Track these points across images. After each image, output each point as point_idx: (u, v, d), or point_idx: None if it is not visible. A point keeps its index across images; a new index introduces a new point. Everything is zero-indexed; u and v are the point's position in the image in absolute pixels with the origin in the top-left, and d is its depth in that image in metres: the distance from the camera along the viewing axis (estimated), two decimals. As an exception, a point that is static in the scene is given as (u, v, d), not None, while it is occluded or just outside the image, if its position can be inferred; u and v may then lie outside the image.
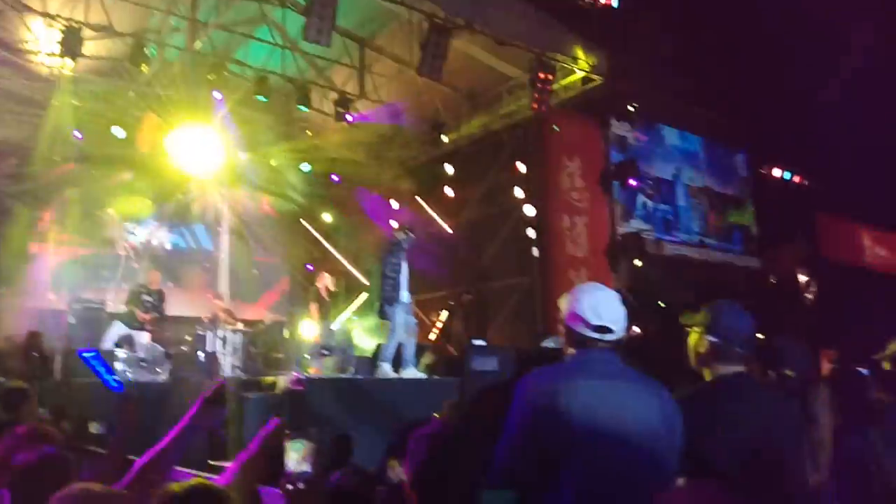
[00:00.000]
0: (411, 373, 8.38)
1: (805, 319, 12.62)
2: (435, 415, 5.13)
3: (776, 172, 14.66)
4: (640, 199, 12.90)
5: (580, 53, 11.71)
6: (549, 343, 8.67)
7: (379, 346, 9.41)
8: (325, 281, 11.66)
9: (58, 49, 9.97)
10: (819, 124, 11.81)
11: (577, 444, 2.10)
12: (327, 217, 16.55)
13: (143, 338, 10.64)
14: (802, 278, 13.71)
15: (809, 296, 13.51)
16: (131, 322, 10.71)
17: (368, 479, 3.44)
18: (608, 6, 11.36)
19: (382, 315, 8.37)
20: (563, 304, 2.36)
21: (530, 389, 2.20)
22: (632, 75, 11.58)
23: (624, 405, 2.17)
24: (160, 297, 11.25)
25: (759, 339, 2.73)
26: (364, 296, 15.44)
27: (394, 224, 14.83)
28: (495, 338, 12.90)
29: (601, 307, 2.26)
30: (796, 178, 14.67)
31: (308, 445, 2.46)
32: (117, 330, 10.54)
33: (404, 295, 8.29)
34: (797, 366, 2.92)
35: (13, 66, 11.72)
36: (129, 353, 10.29)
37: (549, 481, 2.13)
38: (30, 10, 9.67)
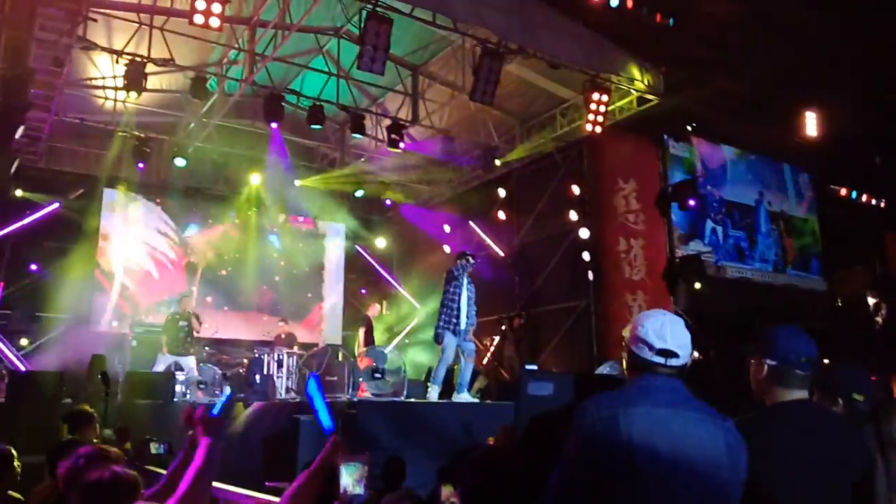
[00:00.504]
0: (465, 397, 8.36)
1: (875, 343, 12.13)
2: (489, 440, 5.07)
3: (843, 192, 14.22)
4: (709, 225, 12.54)
5: (635, 73, 11.61)
6: (605, 369, 8.54)
7: (430, 370, 9.50)
8: (374, 310, 11.88)
9: (122, 83, 10.32)
10: (888, 140, 11.42)
11: (636, 473, 2.03)
12: (380, 242, 16.73)
13: (190, 362, 10.88)
14: (871, 301, 13.20)
15: (879, 319, 12.99)
16: (172, 348, 10.96)
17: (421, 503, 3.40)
18: (664, 24, 11.24)
19: (437, 339, 8.42)
20: (627, 330, 2.30)
21: (589, 415, 2.13)
22: (689, 94, 11.40)
23: (686, 434, 2.08)
24: (196, 319, 11.46)
25: (824, 364, 2.60)
26: (417, 319, 15.53)
27: (448, 250, 14.93)
28: (548, 362, 12.77)
29: (666, 331, 2.19)
30: (864, 198, 14.19)
31: (362, 468, 2.44)
32: (164, 358, 10.83)
33: (462, 322, 8.31)
34: (867, 391, 2.78)
35: (80, 100, 12.22)
36: (188, 376, 10.52)
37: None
38: (96, 46, 10.04)
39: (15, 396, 8.33)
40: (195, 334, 11.22)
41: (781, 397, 2.44)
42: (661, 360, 2.18)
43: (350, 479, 2.39)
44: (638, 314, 2.32)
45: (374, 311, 12.20)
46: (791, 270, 13.47)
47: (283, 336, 12.60)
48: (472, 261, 8.50)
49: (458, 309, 8.28)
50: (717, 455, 2.08)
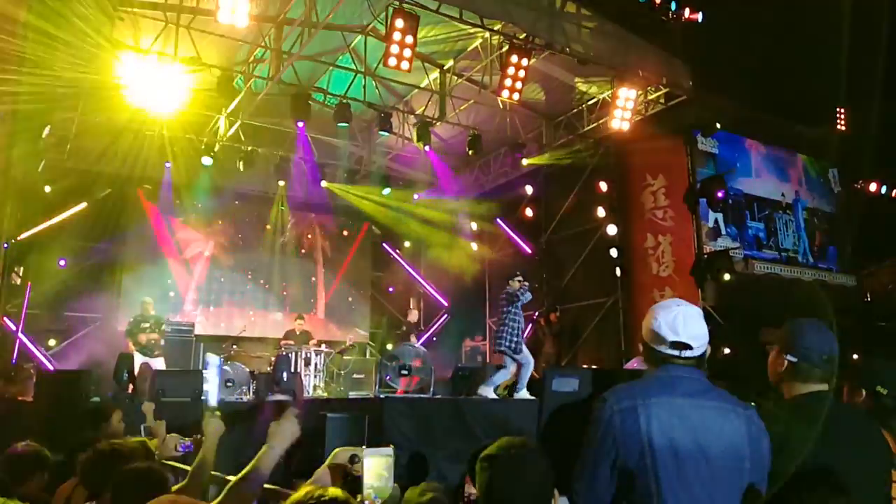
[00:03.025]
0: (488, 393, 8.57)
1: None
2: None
3: (872, 187, 14.01)
4: (712, 216, 12.31)
5: (664, 69, 11.48)
6: (633, 364, 8.52)
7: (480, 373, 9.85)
8: (413, 316, 12.05)
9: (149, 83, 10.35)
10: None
11: (656, 463, 2.03)
12: (407, 243, 16.77)
13: (160, 363, 11.00)
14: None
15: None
16: (145, 350, 10.99)
17: (446, 496, 3.39)
18: (693, 21, 11.12)
19: (514, 352, 8.81)
20: (644, 322, 2.30)
21: (608, 406, 2.14)
22: (717, 90, 11.26)
23: (706, 424, 2.09)
24: (157, 320, 11.47)
25: (852, 358, 2.57)
26: (445, 317, 15.53)
27: (475, 247, 14.89)
28: (576, 358, 12.73)
29: (678, 323, 2.19)
30: (894, 193, 13.96)
31: (388, 460, 2.43)
32: (138, 358, 10.95)
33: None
34: (891, 384, 2.75)
35: (106, 101, 12.29)
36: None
37: (627, 500, 2.07)
38: (123, 45, 10.08)
39: (42, 396, 8.28)
40: (160, 337, 11.25)
41: (799, 390, 2.44)
42: (675, 352, 2.19)
43: (376, 471, 2.38)
44: (653, 306, 2.30)
45: (412, 317, 12.37)
46: (820, 263, 13.29)
47: (296, 332, 12.58)
48: (526, 285, 9.07)
49: (520, 328, 8.88)
50: (738, 444, 2.08)
